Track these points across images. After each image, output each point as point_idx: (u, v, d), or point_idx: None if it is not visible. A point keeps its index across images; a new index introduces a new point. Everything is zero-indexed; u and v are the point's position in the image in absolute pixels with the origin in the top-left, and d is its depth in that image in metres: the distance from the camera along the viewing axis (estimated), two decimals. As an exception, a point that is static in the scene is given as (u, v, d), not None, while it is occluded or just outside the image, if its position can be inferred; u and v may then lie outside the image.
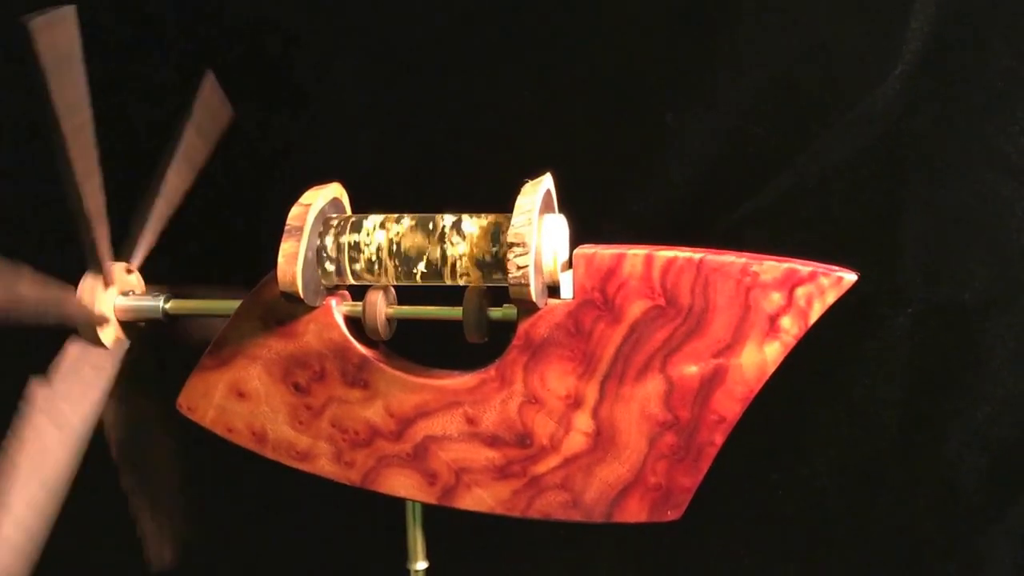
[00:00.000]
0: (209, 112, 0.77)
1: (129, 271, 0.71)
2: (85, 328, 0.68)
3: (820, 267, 0.60)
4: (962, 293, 0.87)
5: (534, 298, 0.60)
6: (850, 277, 0.60)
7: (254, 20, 0.95)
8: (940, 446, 0.88)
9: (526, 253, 0.59)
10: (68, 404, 0.67)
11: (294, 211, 0.63)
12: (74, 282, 0.69)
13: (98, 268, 0.68)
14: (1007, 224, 0.85)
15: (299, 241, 0.62)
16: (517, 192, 0.62)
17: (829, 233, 0.89)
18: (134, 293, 0.71)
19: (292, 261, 0.62)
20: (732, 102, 0.88)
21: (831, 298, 0.60)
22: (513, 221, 0.60)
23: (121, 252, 0.71)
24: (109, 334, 0.69)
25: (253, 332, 0.67)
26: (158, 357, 0.72)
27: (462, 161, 0.93)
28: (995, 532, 0.88)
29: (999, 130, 0.84)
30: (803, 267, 0.60)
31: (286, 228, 0.63)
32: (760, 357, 0.61)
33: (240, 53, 0.96)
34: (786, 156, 0.88)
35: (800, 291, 0.60)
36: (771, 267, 0.60)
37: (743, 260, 0.60)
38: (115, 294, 0.69)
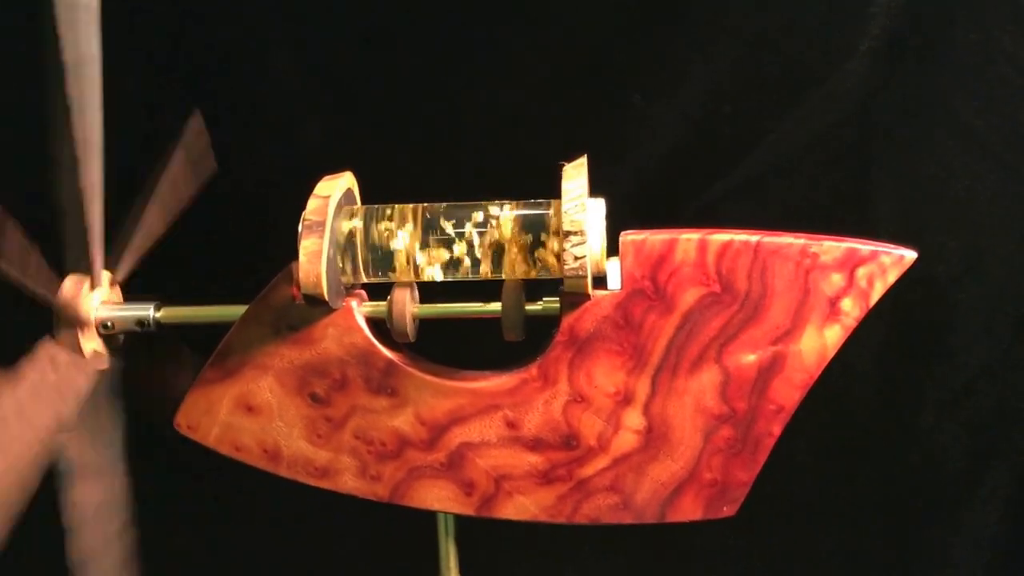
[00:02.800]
0: (195, 155, 0.71)
1: (113, 283, 0.64)
2: (64, 331, 0.60)
3: (880, 246, 0.58)
4: (935, 266, 0.87)
5: (590, 290, 0.56)
6: (911, 255, 0.58)
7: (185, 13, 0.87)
8: (918, 417, 0.89)
9: (583, 242, 0.55)
10: (24, 417, 0.59)
11: (312, 204, 0.57)
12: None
13: (84, 266, 0.60)
14: (977, 197, 0.85)
15: (321, 237, 0.56)
16: (558, 177, 0.58)
17: (801, 211, 0.88)
18: (114, 302, 0.63)
19: (316, 260, 0.56)
20: (700, 82, 0.86)
21: (892, 277, 0.58)
22: (565, 208, 0.55)
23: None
24: (89, 343, 0.61)
25: (262, 340, 0.60)
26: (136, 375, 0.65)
27: (419, 150, 0.88)
28: (975, 498, 0.89)
29: (967, 104, 0.84)
30: (864, 246, 0.58)
31: (304, 223, 0.57)
32: (820, 342, 0.58)
33: (175, 49, 0.88)
34: (756, 135, 0.87)
35: (861, 271, 0.57)
36: (831, 247, 0.58)
37: (802, 241, 0.58)
38: (99, 300, 0.62)
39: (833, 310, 0.58)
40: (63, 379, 0.60)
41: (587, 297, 0.57)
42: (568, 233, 0.54)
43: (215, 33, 0.87)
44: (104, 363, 0.62)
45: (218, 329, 0.62)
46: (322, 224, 0.56)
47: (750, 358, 0.58)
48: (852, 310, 0.58)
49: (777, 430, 0.59)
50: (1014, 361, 0.86)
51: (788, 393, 0.59)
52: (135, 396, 0.65)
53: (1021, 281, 0.85)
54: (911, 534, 0.90)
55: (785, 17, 0.84)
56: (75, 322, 0.60)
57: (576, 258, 0.55)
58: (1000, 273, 0.86)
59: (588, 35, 0.86)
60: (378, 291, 0.62)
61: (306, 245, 0.56)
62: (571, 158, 0.87)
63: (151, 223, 0.67)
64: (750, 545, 0.92)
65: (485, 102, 0.87)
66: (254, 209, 0.85)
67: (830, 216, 0.87)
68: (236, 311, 0.61)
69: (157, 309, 0.62)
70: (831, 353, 0.58)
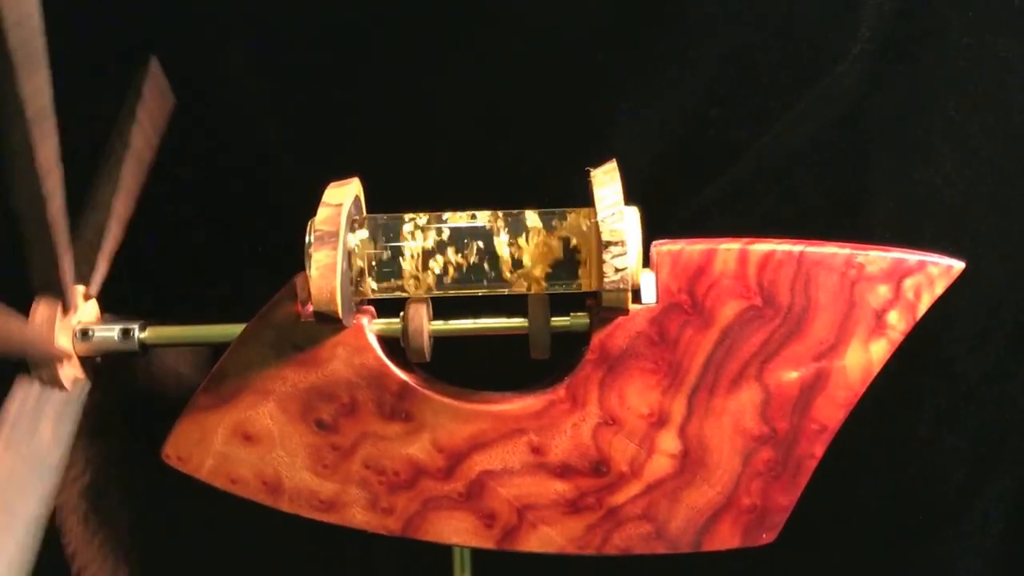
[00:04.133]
0: (156, 105, 0.64)
1: (87, 297, 0.57)
2: (41, 365, 0.54)
3: (927, 255, 0.55)
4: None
5: (630, 305, 0.52)
6: (959, 265, 0.55)
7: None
8: (917, 428, 0.86)
9: (624, 253, 0.50)
10: (22, 463, 0.52)
11: (323, 213, 0.52)
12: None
13: (54, 290, 0.54)
14: (972, 203, 0.83)
15: (335, 249, 0.51)
16: (587, 182, 0.54)
17: (794, 218, 0.85)
18: (93, 322, 0.57)
19: (329, 274, 0.51)
20: (687, 85, 0.82)
21: (940, 288, 0.55)
22: (601, 216, 0.51)
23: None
24: (69, 372, 0.55)
25: (263, 362, 0.55)
26: (122, 398, 0.59)
27: (388, 156, 0.83)
28: (976, 509, 0.87)
29: (960, 108, 0.82)
30: (910, 256, 0.55)
31: (316, 234, 0.51)
32: (865, 357, 0.55)
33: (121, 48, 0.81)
34: (745, 140, 0.83)
35: (908, 282, 0.54)
36: (877, 258, 0.54)
37: (847, 251, 0.54)
38: (74, 323, 0.56)
39: (879, 323, 0.55)
40: (46, 418, 0.54)
41: (624, 312, 0.53)
42: (608, 243, 0.50)
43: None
44: (86, 388, 0.56)
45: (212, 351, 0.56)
46: (335, 235, 0.51)
47: (792, 375, 0.55)
48: (898, 323, 0.55)
49: (819, 451, 0.56)
50: (1012, 369, 0.84)
51: (831, 412, 0.55)
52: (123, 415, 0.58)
53: (1018, 288, 0.84)
54: (912, 546, 0.88)
55: (775, 19, 0.81)
56: (52, 356, 0.54)
57: (617, 270, 0.50)
58: (997, 280, 0.84)
59: (570, 37, 0.82)
60: (383, 307, 0.57)
61: (318, 258, 0.51)
62: (553, 164, 0.83)
63: (120, 209, 0.60)
64: (749, 559, 0.88)
65: (464, 108, 0.82)
66: (232, 218, 0.79)
67: (823, 223, 0.84)
68: (232, 330, 0.56)
69: (143, 329, 0.57)
70: (877, 369, 0.55)
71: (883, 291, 0.54)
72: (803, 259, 0.54)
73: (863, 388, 0.55)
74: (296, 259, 0.67)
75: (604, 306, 0.52)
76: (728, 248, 0.54)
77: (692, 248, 0.54)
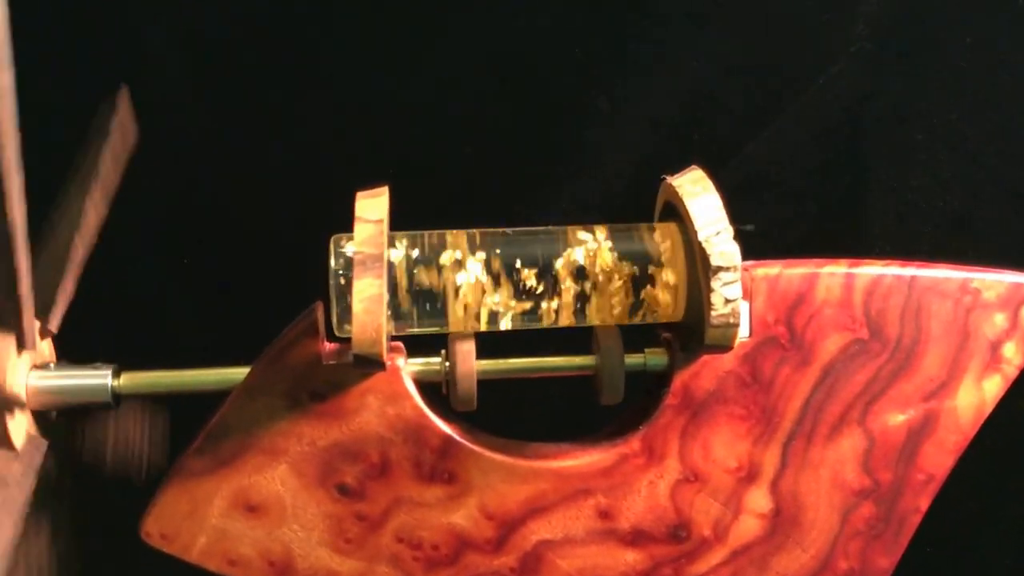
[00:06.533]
0: (122, 135, 0.54)
1: (44, 334, 0.45)
2: None
3: (1039, 278, 0.49)
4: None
5: (737, 342, 0.43)
6: (1077, 288, 0.49)
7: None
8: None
9: (736, 281, 0.42)
10: None
11: (363, 230, 0.42)
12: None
13: (7, 320, 0.42)
14: (973, 210, 0.79)
15: (379, 277, 0.41)
16: (655, 192, 0.46)
17: (788, 225, 0.79)
18: (52, 366, 0.45)
19: (375, 308, 0.41)
20: (673, 84, 0.76)
21: (1057, 316, 0.48)
22: (703, 235, 0.43)
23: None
24: (20, 427, 0.43)
25: (273, 415, 0.44)
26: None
27: (349, 161, 0.74)
28: (990, 535, 0.83)
29: (959, 111, 0.78)
30: (1027, 279, 0.48)
31: (357, 259, 0.41)
32: (978, 396, 0.48)
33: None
34: (734, 144, 0.77)
35: (1025, 310, 0.48)
36: (994, 282, 0.47)
37: (961, 275, 0.47)
38: (29, 366, 0.44)
39: (994, 357, 0.48)
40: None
41: (727, 349, 0.44)
42: (718, 269, 0.42)
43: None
44: (41, 450, 0.44)
45: (203, 402, 0.45)
46: (379, 259, 0.41)
47: (899, 418, 0.47)
48: (1015, 357, 0.48)
49: (925, 505, 0.49)
50: (1017, 387, 0.80)
51: (940, 459, 0.48)
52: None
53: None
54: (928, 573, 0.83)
55: (767, 16, 0.76)
56: (3, 403, 0.42)
57: (727, 301, 0.42)
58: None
59: (545, 32, 0.75)
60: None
61: (361, 288, 0.41)
62: (527, 169, 0.76)
63: (93, 214, 0.50)
64: None
65: (440, 110, 0.74)
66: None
67: (820, 229, 0.79)
68: (231, 376, 0.45)
69: (116, 375, 0.45)
70: (989, 410, 0.48)
71: (999, 320, 0.47)
72: (914, 284, 0.47)
73: (974, 431, 0.48)
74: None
75: (708, 343, 0.43)
76: (832, 272, 0.46)
77: (791, 272, 0.46)
